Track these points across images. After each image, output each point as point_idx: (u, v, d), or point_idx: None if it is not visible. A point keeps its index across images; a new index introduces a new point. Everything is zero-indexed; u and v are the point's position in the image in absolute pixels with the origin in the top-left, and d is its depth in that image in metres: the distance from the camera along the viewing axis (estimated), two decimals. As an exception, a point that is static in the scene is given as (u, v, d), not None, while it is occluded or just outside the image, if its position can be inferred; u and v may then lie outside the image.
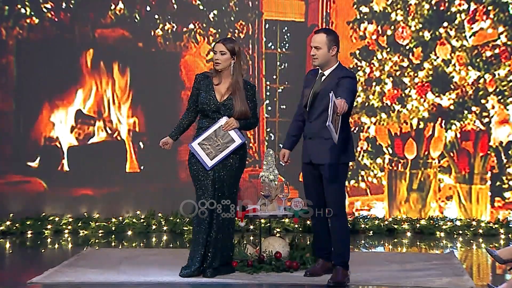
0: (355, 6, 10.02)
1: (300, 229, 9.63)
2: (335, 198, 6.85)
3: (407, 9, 10.00)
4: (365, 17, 10.03)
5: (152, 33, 10.08)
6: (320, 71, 6.94)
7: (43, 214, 9.90)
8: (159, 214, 9.95)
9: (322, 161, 6.83)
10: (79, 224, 9.80)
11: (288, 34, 10.12)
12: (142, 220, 9.90)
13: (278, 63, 10.11)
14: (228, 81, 7.05)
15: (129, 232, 9.75)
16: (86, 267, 7.41)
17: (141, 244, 9.18)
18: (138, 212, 9.99)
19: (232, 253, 7.14)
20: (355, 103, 8.29)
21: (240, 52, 7.08)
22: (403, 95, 10.01)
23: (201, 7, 10.06)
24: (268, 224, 8.12)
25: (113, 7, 10.05)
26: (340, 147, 6.75)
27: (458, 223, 9.76)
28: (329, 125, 6.25)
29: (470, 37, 9.92)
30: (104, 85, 10.09)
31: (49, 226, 9.73)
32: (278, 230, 9.62)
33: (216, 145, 6.97)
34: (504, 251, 6.32)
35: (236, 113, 6.99)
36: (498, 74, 9.88)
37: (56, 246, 9.18)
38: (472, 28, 9.91)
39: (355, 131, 9.89)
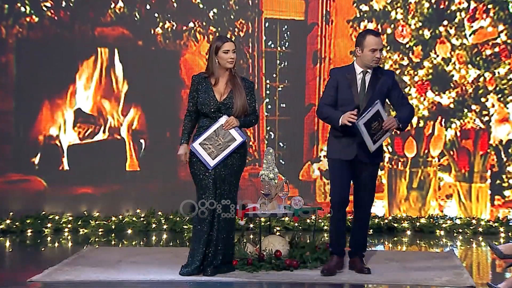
0: (355, 4, 10.02)
1: (300, 227, 9.63)
2: (373, 194, 7.13)
3: (407, 7, 9.99)
4: (365, 15, 10.03)
5: (152, 32, 10.07)
6: (360, 69, 6.96)
7: (43, 212, 9.90)
8: (159, 213, 9.94)
9: (374, 160, 7.01)
10: (79, 223, 9.79)
11: (288, 33, 10.12)
12: (142, 219, 9.90)
13: (278, 61, 10.11)
14: (226, 79, 7.05)
15: (129, 231, 9.75)
16: (86, 266, 7.41)
17: (141, 243, 9.18)
18: (138, 211, 9.98)
19: (232, 251, 7.14)
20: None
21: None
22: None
23: (201, 6, 10.05)
24: (268, 223, 8.12)
25: (113, 5, 10.04)
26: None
27: (458, 221, 9.76)
28: (358, 124, 6.63)
29: (470, 35, 9.92)
30: (105, 83, 10.08)
31: (49, 225, 9.73)
32: (278, 228, 9.62)
33: (217, 144, 6.97)
34: (505, 246, 6.30)
35: (236, 110, 6.99)
36: (498, 73, 9.88)
37: (56, 244, 9.18)
38: (472, 26, 9.90)
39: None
